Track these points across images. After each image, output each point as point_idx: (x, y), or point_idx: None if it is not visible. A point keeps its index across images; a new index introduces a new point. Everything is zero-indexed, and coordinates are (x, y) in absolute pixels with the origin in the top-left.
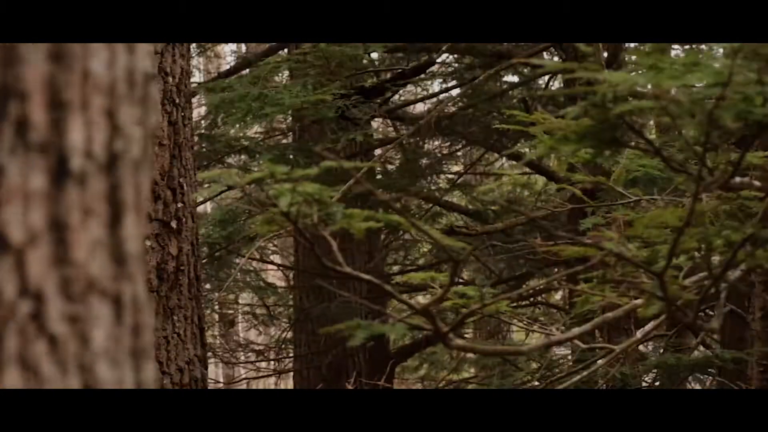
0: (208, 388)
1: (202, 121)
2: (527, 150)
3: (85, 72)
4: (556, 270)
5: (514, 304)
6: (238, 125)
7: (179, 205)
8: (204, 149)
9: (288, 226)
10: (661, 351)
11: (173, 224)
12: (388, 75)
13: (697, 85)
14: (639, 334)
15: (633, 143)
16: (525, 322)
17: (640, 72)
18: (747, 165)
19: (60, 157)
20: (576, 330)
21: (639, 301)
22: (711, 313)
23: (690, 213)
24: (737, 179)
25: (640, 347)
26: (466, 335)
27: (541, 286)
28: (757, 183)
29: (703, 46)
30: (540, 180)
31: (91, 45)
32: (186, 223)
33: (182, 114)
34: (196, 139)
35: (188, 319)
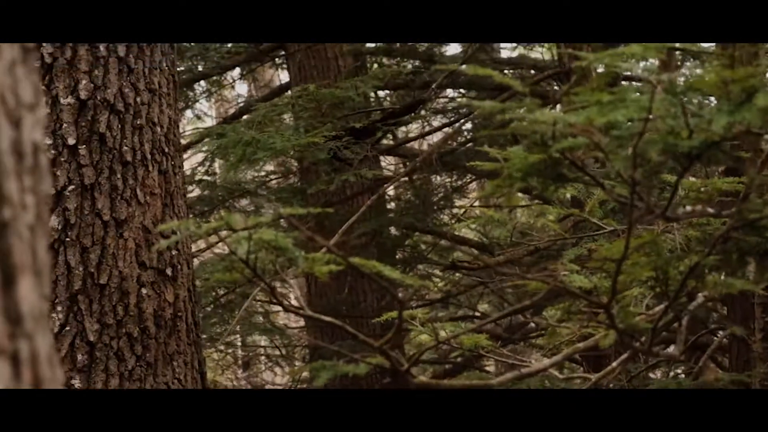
0: None
1: (200, 168)
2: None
3: None
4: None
5: (534, 335)
6: (233, 171)
7: (173, 252)
8: (206, 194)
9: (249, 274)
10: (670, 376)
11: (168, 271)
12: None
13: (620, 119)
14: (615, 363)
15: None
16: (503, 355)
17: (574, 111)
18: (716, 191)
19: None
20: (547, 361)
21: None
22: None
23: (626, 246)
24: (688, 208)
25: (650, 373)
26: (487, 367)
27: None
28: (710, 210)
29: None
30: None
31: None
32: (181, 270)
33: (172, 163)
34: (193, 186)
35: (188, 364)
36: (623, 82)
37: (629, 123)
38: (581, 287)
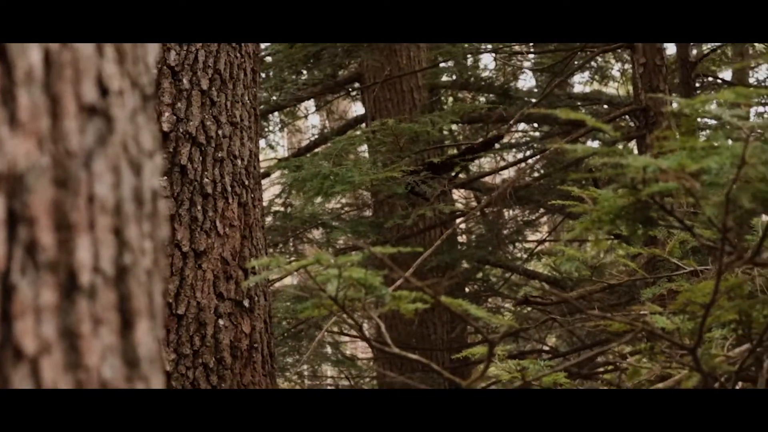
0: None
1: (277, 199)
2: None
3: (91, 196)
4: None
5: (602, 370)
6: (310, 204)
7: (251, 284)
8: (279, 225)
9: (337, 310)
10: None
11: (245, 303)
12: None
13: (713, 166)
14: None
15: (664, 221)
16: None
17: (662, 156)
18: None
19: (69, 273)
20: None
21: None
22: None
23: (715, 290)
24: None
25: None
26: None
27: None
28: None
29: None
30: (623, 246)
31: (95, 170)
32: (258, 302)
33: (252, 195)
34: (269, 218)
35: None
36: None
37: (720, 169)
38: (664, 328)
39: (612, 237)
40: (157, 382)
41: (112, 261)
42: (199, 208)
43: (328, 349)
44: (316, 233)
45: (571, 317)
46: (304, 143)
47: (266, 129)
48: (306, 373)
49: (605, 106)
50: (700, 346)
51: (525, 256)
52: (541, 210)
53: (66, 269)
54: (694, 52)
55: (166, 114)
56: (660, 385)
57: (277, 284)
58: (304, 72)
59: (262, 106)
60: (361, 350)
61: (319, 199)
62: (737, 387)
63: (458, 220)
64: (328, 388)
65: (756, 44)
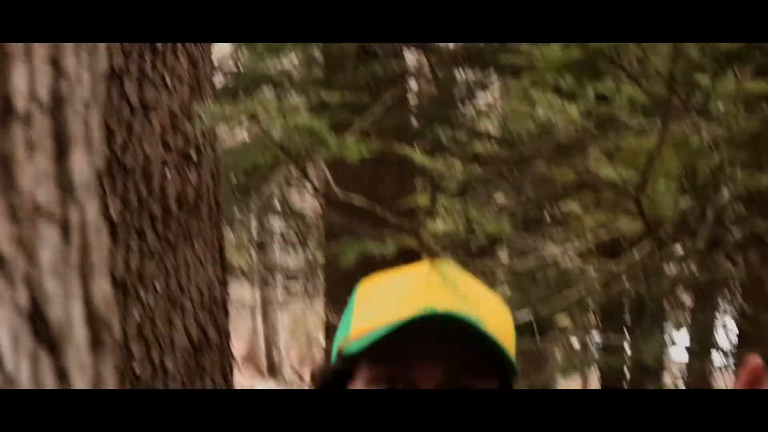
0: (229, 309)
1: (229, 61)
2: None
3: None
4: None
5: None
6: (258, 60)
7: (200, 137)
8: (230, 85)
9: (282, 156)
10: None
11: (193, 155)
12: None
13: None
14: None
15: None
16: (522, 243)
17: None
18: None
19: (4, 100)
20: (570, 250)
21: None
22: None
23: (660, 140)
24: (722, 109)
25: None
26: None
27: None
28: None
29: None
30: (574, 107)
31: None
32: (206, 153)
33: (201, 50)
34: (218, 73)
35: (208, 244)
36: None
37: None
38: (609, 178)
39: (560, 96)
40: (92, 210)
41: (49, 90)
42: (147, 62)
43: (277, 205)
44: (268, 93)
45: (519, 174)
46: None
47: None
48: (254, 227)
49: None
50: (644, 193)
51: (475, 115)
52: (493, 71)
53: (1, 96)
54: None
55: None
56: (603, 233)
57: (227, 141)
58: None
59: None
60: (310, 208)
61: (268, 56)
62: (678, 242)
63: (408, 78)
64: (276, 240)
65: None
